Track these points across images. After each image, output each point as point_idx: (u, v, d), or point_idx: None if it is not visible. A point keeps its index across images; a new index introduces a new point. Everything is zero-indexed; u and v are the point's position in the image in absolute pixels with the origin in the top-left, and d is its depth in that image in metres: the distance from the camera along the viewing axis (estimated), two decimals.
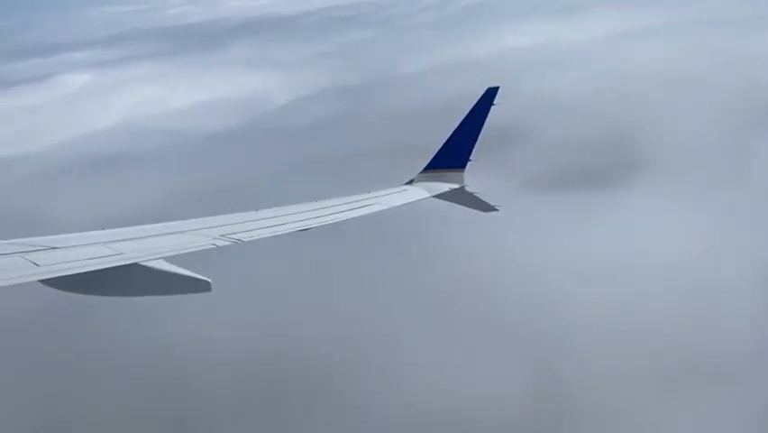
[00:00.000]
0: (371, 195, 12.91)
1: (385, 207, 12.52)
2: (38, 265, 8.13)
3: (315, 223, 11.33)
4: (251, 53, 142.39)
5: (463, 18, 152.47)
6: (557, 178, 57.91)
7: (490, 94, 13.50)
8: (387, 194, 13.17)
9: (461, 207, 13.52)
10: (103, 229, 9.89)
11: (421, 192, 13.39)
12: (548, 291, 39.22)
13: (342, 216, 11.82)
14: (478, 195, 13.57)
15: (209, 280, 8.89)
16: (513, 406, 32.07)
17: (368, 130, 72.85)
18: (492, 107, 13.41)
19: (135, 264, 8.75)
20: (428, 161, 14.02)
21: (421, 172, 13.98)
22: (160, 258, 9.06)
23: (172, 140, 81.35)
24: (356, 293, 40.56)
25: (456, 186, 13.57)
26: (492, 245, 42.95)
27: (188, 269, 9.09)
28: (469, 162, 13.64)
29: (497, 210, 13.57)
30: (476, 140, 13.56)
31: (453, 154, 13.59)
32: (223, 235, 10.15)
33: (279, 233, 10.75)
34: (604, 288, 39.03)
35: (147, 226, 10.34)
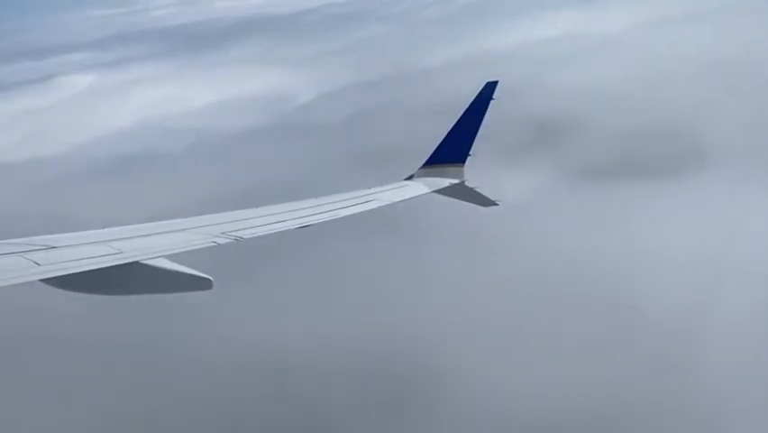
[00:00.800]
0: (372, 191, 12.94)
1: (385, 203, 12.56)
2: (39, 264, 8.17)
3: (315, 219, 11.38)
4: (254, 52, 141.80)
5: (468, 14, 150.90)
6: (614, 168, 56.54)
7: (489, 88, 13.51)
8: (387, 189, 13.20)
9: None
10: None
11: (421, 187, 13.42)
12: (627, 285, 37.94)
13: (343, 213, 11.87)
14: (478, 190, 13.57)
15: (211, 278, 8.95)
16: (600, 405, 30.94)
17: (402, 124, 71.49)
18: (492, 101, 13.44)
19: (136, 263, 8.80)
20: (428, 157, 14.04)
21: (421, 168, 13.99)
22: (161, 256, 9.13)
23: (200, 138, 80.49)
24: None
25: (456, 181, 13.59)
26: (560, 239, 42.59)
27: (190, 267, 9.12)
28: (469, 157, 13.65)
29: (497, 205, 13.57)
30: (476, 135, 13.56)
31: (453, 149, 13.61)
32: (223, 233, 10.20)
33: (280, 230, 10.80)
34: (678, 280, 37.85)
35: (148, 225, 10.39)
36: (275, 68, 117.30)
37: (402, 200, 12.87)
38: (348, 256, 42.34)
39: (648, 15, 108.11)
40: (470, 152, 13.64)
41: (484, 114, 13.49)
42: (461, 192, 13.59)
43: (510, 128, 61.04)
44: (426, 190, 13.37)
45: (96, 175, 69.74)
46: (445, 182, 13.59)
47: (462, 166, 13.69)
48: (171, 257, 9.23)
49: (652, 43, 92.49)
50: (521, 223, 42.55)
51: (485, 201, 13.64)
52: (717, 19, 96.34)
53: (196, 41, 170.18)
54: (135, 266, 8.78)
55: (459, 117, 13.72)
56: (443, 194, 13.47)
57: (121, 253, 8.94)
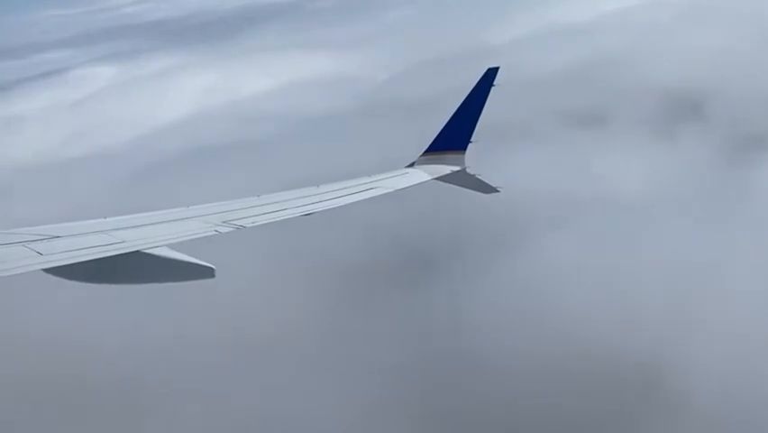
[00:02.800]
0: (373, 178, 12.97)
1: (387, 191, 12.56)
2: (41, 254, 8.19)
3: (317, 207, 11.40)
4: (275, 39, 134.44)
5: None
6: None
7: (490, 75, 13.45)
8: (388, 177, 13.21)
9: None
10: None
11: (422, 175, 13.42)
12: None
13: (345, 201, 11.90)
14: (479, 177, 13.56)
15: (213, 267, 8.96)
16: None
17: (495, 98, 69.62)
18: (492, 88, 13.38)
19: (138, 252, 8.81)
20: (429, 144, 14.00)
21: (422, 155, 13.98)
22: (163, 245, 9.15)
23: (282, 123, 74.91)
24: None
25: (458, 168, 13.57)
26: None
27: (192, 255, 9.14)
28: (469, 144, 13.63)
29: (498, 192, 13.56)
30: (476, 121, 13.51)
31: (454, 136, 13.58)
32: (225, 222, 10.23)
33: (282, 218, 10.81)
34: None
35: (149, 214, 10.42)
36: (320, 52, 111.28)
37: (403, 188, 12.89)
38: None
39: None
40: (471, 139, 13.62)
41: (485, 100, 13.43)
42: (463, 179, 13.59)
43: (644, 98, 60.50)
44: (428, 178, 13.38)
45: (181, 164, 64.58)
46: (446, 169, 13.57)
47: (464, 153, 13.67)
48: (173, 246, 9.25)
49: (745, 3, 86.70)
50: None
51: (486, 188, 13.64)
52: None
53: (200, 32, 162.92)
54: (137, 255, 8.80)
55: (460, 104, 13.67)
56: (445, 181, 13.48)
57: (122, 242, 8.97)
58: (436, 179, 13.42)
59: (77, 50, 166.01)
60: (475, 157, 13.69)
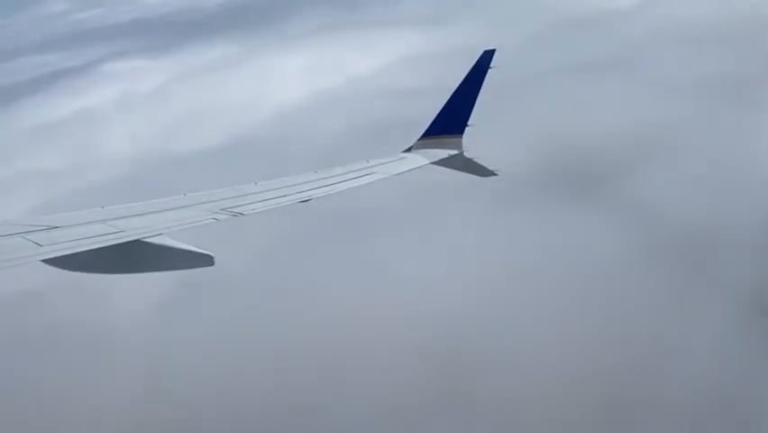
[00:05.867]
0: (370, 164, 12.95)
1: (384, 176, 12.55)
2: (40, 245, 8.17)
3: (315, 194, 11.39)
4: (326, 21, 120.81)
5: None
6: None
7: (486, 57, 13.40)
8: (385, 162, 13.20)
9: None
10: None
11: (420, 159, 13.40)
12: None
13: (343, 187, 11.89)
14: (477, 160, 13.56)
15: (212, 255, 8.99)
16: None
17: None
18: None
19: (137, 241, 8.80)
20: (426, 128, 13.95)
21: (419, 139, 13.95)
22: (162, 234, 9.14)
23: (430, 98, 68.92)
24: None
25: (455, 152, 13.56)
26: None
27: (191, 243, 9.13)
28: (467, 127, 13.61)
29: (495, 175, 13.56)
30: (473, 105, 13.46)
31: (451, 120, 13.55)
32: (223, 209, 10.21)
33: (280, 205, 10.82)
34: None
35: (148, 202, 10.41)
36: (401, 29, 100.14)
37: (401, 173, 12.86)
38: None
39: None
40: (468, 123, 13.59)
41: (481, 83, 13.37)
42: (460, 163, 13.57)
43: None
44: (425, 162, 13.35)
45: (354, 143, 56.39)
46: (444, 153, 13.56)
47: (461, 137, 13.64)
48: (172, 234, 9.24)
49: None
50: None
51: (484, 171, 13.63)
52: None
53: (234, 21, 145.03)
54: (136, 244, 8.79)
55: (456, 87, 13.63)
56: (442, 165, 13.47)
57: (122, 231, 8.94)
58: (434, 163, 13.40)
59: (114, 44, 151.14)
60: (473, 140, 13.58)
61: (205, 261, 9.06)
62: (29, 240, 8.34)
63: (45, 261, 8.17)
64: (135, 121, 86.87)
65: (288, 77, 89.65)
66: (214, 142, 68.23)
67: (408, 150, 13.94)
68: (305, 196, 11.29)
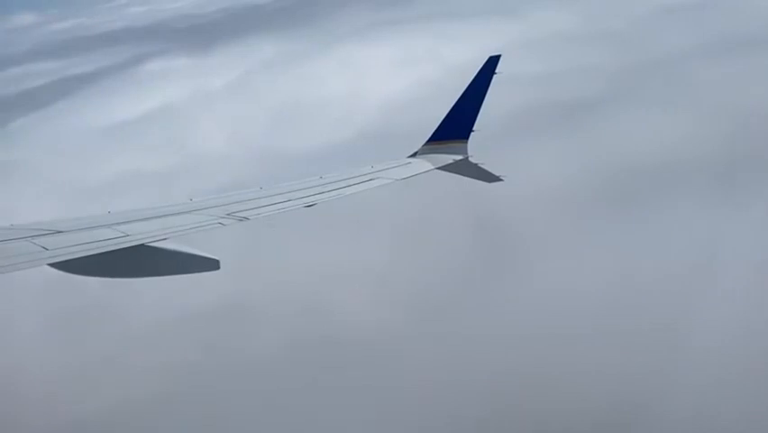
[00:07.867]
0: (376, 168, 12.94)
1: (390, 181, 12.52)
2: (47, 249, 8.15)
3: (320, 198, 11.36)
4: (381, 17, 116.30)
5: None
6: None
7: (492, 63, 13.38)
8: (391, 167, 13.18)
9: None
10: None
11: (425, 164, 13.37)
12: None
13: (348, 191, 11.87)
14: (482, 165, 13.53)
15: (218, 259, 8.99)
16: None
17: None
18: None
19: (143, 245, 8.77)
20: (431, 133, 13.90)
21: (424, 144, 13.94)
22: (167, 238, 9.11)
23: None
24: None
25: (460, 157, 13.55)
26: None
27: (196, 248, 9.14)
28: (472, 133, 13.61)
29: (501, 180, 13.49)
30: (478, 110, 13.45)
31: (456, 125, 13.54)
32: (228, 214, 10.19)
33: (285, 209, 10.79)
34: None
35: (153, 207, 10.43)
36: (495, 18, 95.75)
37: (405, 177, 12.83)
38: None
39: None
40: (474, 128, 13.59)
41: (487, 89, 13.36)
42: (466, 168, 13.55)
43: None
44: (430, 167, 13.33)
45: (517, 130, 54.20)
46: (449, 158, 13.54)
47: (466, 142, 13.64)
48: (177, 239, 9.22)
49: None
50: None
51: (489, 177, 13.59)
52: None
53: (283, 20, 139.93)
54: (142, 249, 8.76)
55: (462, 93, 13.60)
56: (448, 170, 13.44)
57: (127, 235, 8.94)
58: (439, 168, 13.38)
59: (158, 44, 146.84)
60: (478, 146, 13.57)
61: (211, 265, 9.07)
62: (36, 244, 8.33)
63: (52, 265, 8.17)
64: (233, 117, 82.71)
65: (379, 69, 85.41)
66: (337, 136, 63.43)
67: (414, 155, 13.93)
68: (310, 200, 11.26)
